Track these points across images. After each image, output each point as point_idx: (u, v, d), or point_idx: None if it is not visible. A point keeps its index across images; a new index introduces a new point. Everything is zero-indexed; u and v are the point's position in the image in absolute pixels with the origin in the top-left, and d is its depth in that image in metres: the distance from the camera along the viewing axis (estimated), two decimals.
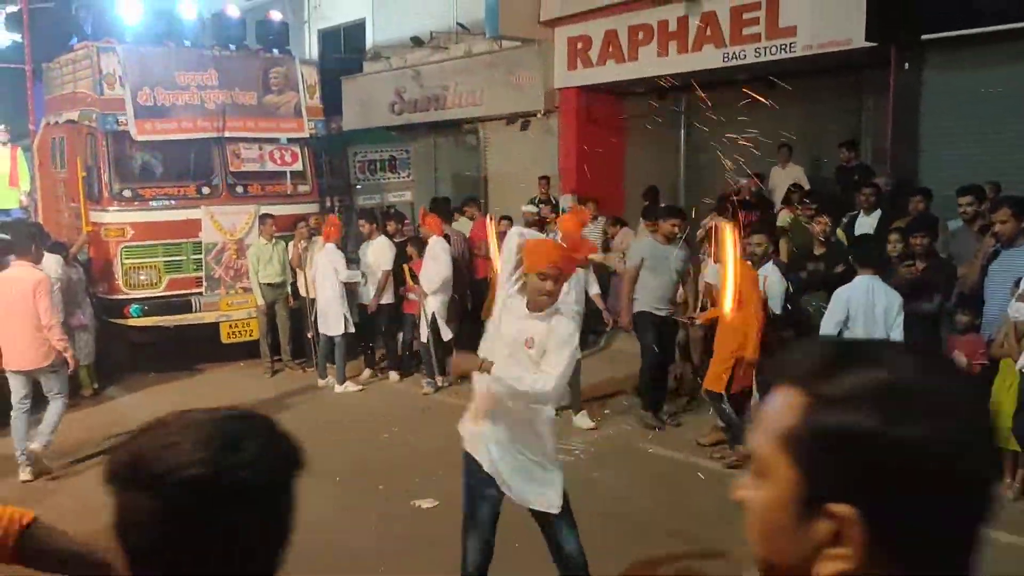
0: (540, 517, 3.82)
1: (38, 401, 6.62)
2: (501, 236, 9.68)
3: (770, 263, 6.55)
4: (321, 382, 9.39)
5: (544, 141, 13.45)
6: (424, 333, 8.88)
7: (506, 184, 14.04)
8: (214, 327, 9.87)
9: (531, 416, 3.70)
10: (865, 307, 5.58)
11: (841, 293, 5.76)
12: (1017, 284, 5.28)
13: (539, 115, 13.16)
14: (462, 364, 3.75)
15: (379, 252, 9.29)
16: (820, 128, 11.09)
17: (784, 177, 10.36)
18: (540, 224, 10.08)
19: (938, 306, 6.05)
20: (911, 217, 7.52)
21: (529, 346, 3.60)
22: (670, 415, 7.65)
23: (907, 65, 9.02)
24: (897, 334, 5.47)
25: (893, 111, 9.43)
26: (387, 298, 9.31)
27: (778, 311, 6.44)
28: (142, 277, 9.52)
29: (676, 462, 6.66)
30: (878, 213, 8.15)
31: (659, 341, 7.36)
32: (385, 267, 9.19)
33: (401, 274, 9.19)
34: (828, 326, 5.72)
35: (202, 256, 9.82)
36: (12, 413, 6.47)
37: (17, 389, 6.43)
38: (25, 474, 6.42)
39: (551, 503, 3.76)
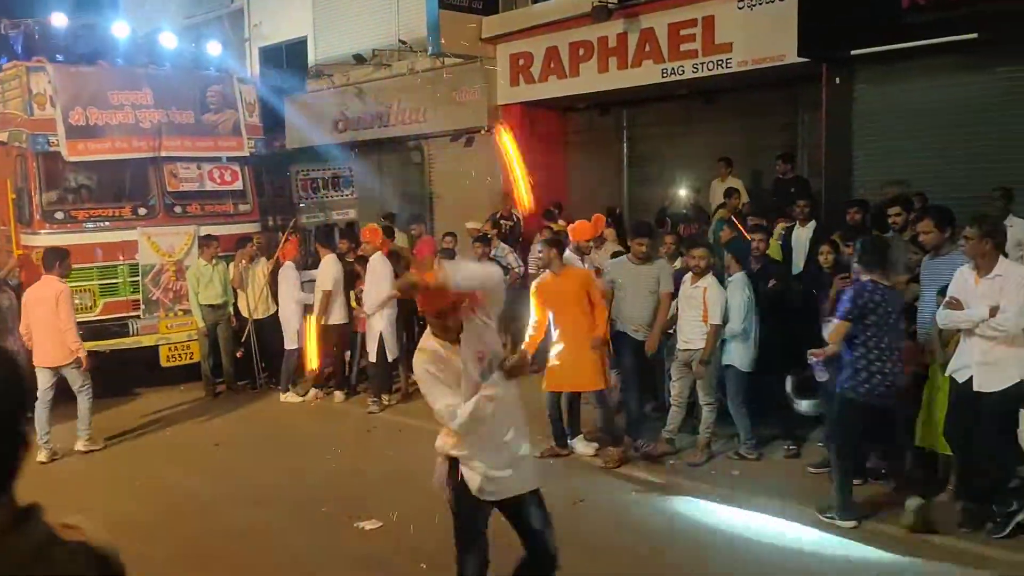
0: (512, 504, 3.81)
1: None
2: (445, 253, 9.84)
3: (709, 275, 6.63)
4: (283, 396, 9.37)
5: (488, 157, 13.48)
6: (372, 352, 8.79)
7: (452, 201, 14.03)
8: (153, 350, 9.65)
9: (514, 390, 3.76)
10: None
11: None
12: (942, 292, 5.42)
13: (483, 131, 13.19)
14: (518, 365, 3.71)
15: (322, 271, 9.17)
16: (758, 141, 11.33)
17: (722, 190, 10.52)
18: (483, 240, 10.11)
19: None
20: (845, 228, 7.69)
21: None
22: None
23: (838, 80, 9.27)
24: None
25: (826, 124, 9.66)
26: (336, 318, 9.18)
27: (718, 321, 6.51)
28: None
29: (616, 473, 6.68)
30: (813, 224, 8.33)
31: (636, 364, 7.07)
32: (325, 287, 9.05)
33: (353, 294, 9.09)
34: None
35: (139, 278, 9.60)
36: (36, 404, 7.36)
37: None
38: (42, 456, 7.37)
39: (532, 482, 3.85)
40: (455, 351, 3.62)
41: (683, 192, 11.79)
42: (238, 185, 10.56)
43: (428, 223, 13.36)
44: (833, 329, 5.44)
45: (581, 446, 7.12)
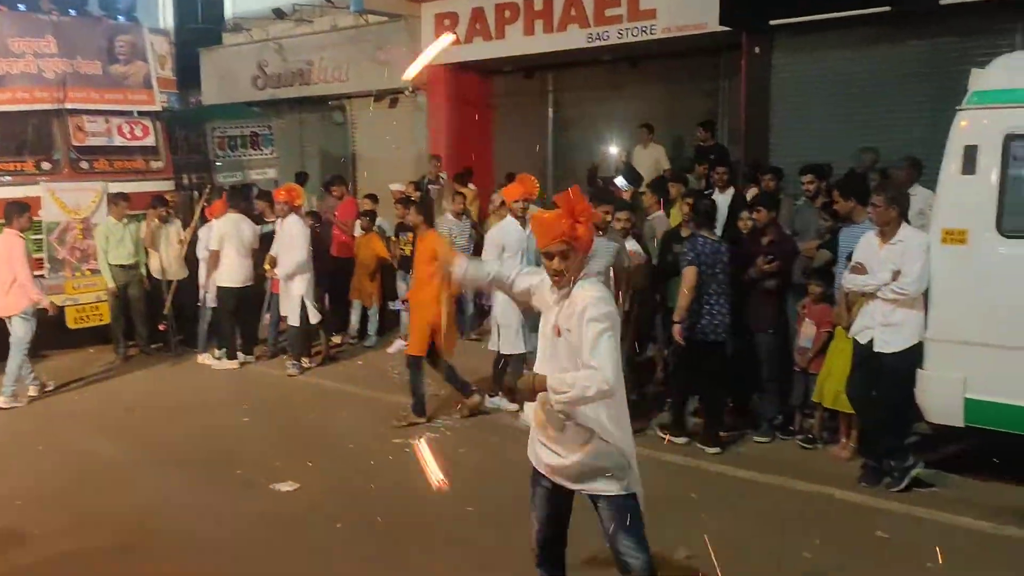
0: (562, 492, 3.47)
1: None
2: (367, 215, 9.69)
3: (631, 239, 6.71)
4: (200, 359, 9.15)
5: (413, 119, 13.32)
6: (291, 315, 8.63)
7: (375, 162, 13.83)
8: (59, 311, 9.27)
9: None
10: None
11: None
12: (849, 258, 5.62)
13: (407, 93, 12.99)
14: (523, 390, 3.22)
15: (214, 230, 8.83)
16: (681, 109, 11.45)
17: (646, 156, 10.63)
18: (406, 203, 9.96)
19: (781, 279, 6.35)
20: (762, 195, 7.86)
21: (559, 334, 3.19)
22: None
23: (757, 49, 9.43)
24: None
25: (746, 93, 9.85)
26: (234, 280, 8.84)
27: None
28: None
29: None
30: (732, 191, 8.50)
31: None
32: (213, 247, 8.77)
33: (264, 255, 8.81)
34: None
35: (43, 236, 9.18)
36: None
37: None
38: None
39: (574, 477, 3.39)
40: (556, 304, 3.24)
41: (613, 152, 11.82)
42: (149, 141, 10.16)
43: (351, 185, 13.13)
44: (689, 277, 6.06)
45: (498, 401, 7.23)
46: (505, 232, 7.11)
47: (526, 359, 6.83)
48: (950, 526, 4.92)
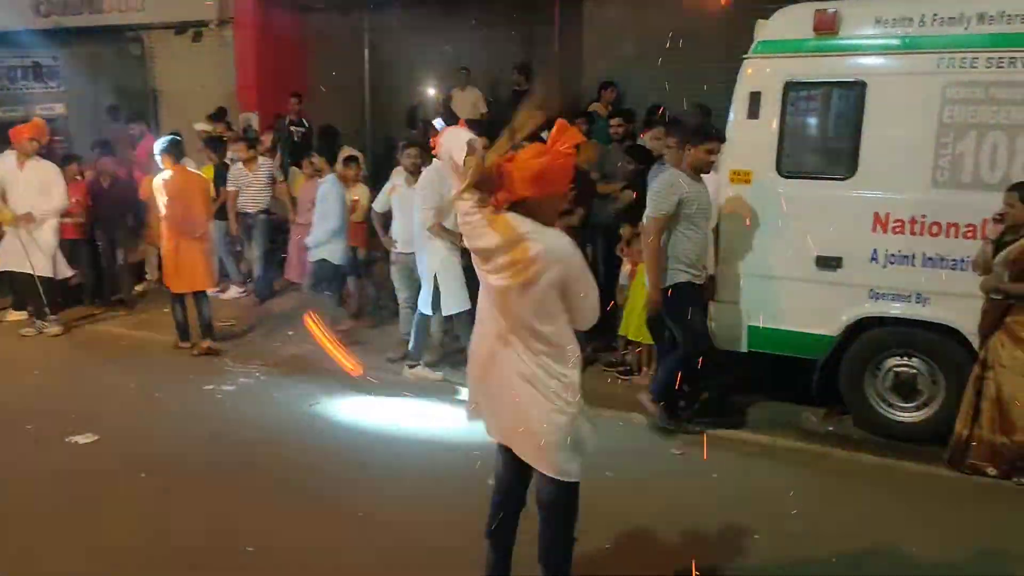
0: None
1: None
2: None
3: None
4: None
5: (220, 55, 12.56)
6: (40, 265, 7.81)
7: (180, 100, 12.95)
8: None
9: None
10: None
11: None
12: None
13: (212, 26, 12.22)
14: None
15: None
16: (498, 53, 11.50)
17: (464, 99, 10.65)
18: (213, 144, 9.49)
19: (581, 220, 6.63)
20: None
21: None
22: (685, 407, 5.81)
23: None
24: None
25: (559, 39, 10.07)
26: None
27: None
28: None
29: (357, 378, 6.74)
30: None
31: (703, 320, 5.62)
32: None
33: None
34: None
35: None
36: None
37: None
38: None
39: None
40: None
41: (431, 95, 11.74)
42: None
43: (153, 123, 12.26)
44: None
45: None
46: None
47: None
48: (734, 440, 5.43)
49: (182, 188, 7.11)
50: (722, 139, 5.39)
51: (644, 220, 5.63)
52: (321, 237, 7.44)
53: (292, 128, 10.60)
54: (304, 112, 10.93)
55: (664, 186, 5.33)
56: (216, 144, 9.50)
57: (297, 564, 3.93)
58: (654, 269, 5.38)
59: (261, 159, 9.01)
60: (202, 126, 10.18)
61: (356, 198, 8.11)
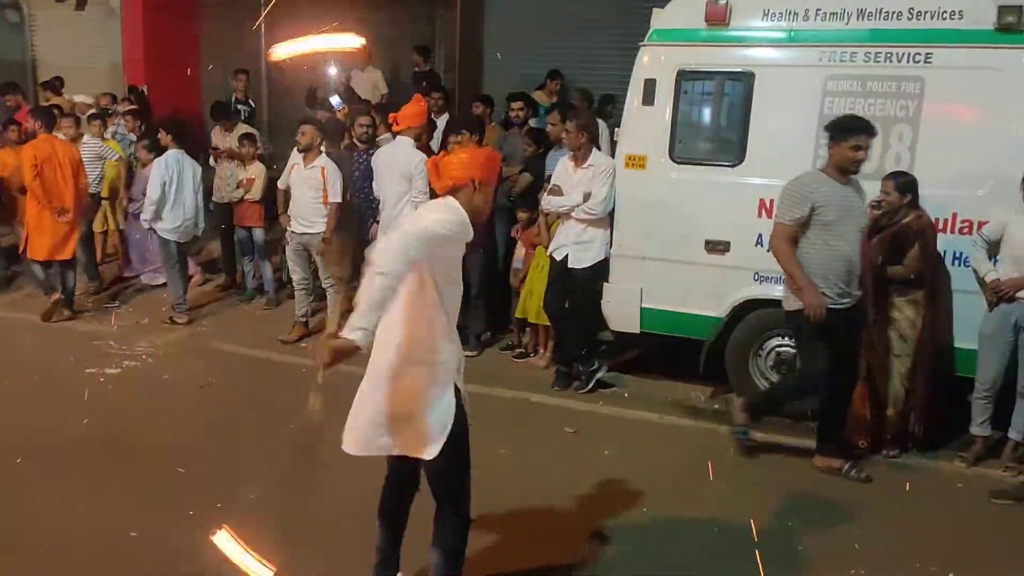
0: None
1: None
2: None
3: (323, 155, 6.72)
4: None
5: (106, 26, 11.97)
6: None
7: (61, 73, 12.24)
8: None
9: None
10: None
11: None
12: (548, 180, 6.03)
13: None
14: None
15: None
16: (400, 34, 11.37)
17: (364, 79, 10.49)
18: (103, 120, 9.02)
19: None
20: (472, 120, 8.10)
21: None
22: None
23: None
24: None
25: (460, 23, 10.03)
26: None
27: (339, 199, 6.62)
28: None
29: (252, 359, 6.59)
30: (446, 116, 8.67)
31: (835, 350, 4.67)
32: None
33: None
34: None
35: None
36: None
37: None
38: None
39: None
40: None
41: (332, 74, 11.49)
42: None
43: (32, 94, 11.58)
44: None
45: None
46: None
47: None
48: (625, 419, 5.58)
49: (49, 156, 7.07)
50: (872, 133, 4.54)
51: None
52: (147, 212, 7.29)
53: (239, 108, 10.14)
54: (249, 91, 10.54)
55: (796, 187, 4.59)
56: (101, 118, 9.05)
57: (185, 555, 3.82)
58: (798, 273, 4.53)
59: (87, 137, 8.51)
60: (82, 98, 9.69)
61: (252, 177, 7.89)
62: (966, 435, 4.99)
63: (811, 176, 4.67)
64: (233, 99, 10.34)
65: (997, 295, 4.74)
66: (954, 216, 5.05)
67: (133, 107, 9.58)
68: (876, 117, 5.10)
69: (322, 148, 6.79)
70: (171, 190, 7.23)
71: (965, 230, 5.02)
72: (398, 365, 2.96)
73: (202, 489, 4.34)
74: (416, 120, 6.42)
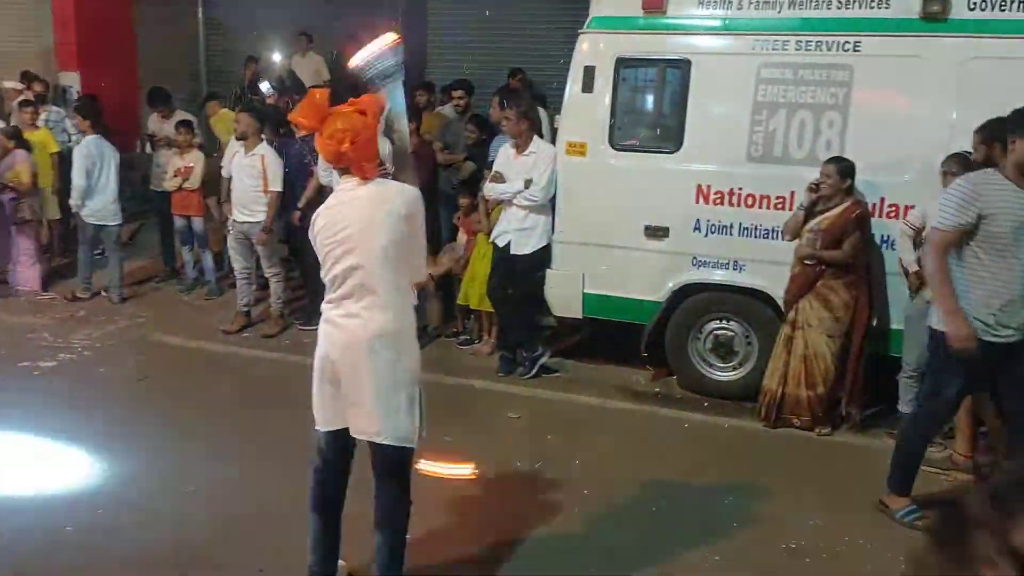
0: None
1: None
2: None
3: (263, 143, 6.64)
4: None
5: (36, 6, 11.58)
6: None
7: None
8: None
9: None
10: None
11: None
12: (490, 167, 6.05)
13: None
14: None
15: None
16: (340, 19, 11.23)
17: (305, 65, 10.37)
18: (32, 104, 8.71)
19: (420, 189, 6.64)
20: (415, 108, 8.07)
21: None
22: None
23: None
24: None
25: (404, 9, 9.95)
26: None
27: (279, 187, 6.55)
28: None
29: (192, 350, 6.50)
30: None
31: (989, 383, 3.99)
32: None
33: None
34: None
35: None
36: None
37: None
38: None
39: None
40: None
41: (273, 59, 11.32)
42: None
43: None
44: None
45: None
46: None
47: None
48: (568, 403, 5.64)
49: None
50: None
51: (927, 231, 4.25)
52: (74, 197, 7.34)
53: (253, 96, 9.84)
54: (262, 77, 10.27)
55: (963, 187, 3.75)
56: (34, 104, 8.77)
57: (136, 547, 3.78)
58: (944, 295, 3.77)
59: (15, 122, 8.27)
60: (11, 84, 9.37)
61: (190, 164, 7.74)
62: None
63: (983, 176, 3.78)
64: (245, 87, 10.20)
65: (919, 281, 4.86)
66: (882, 200, 5.20)
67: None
68: (807, 104, 5.23)
69: (263, 136, 6.71)
70: (95, 175, 7.29)
71: (892, 214, 5.18)
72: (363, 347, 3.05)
73: (137, 484, 4.28)
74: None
